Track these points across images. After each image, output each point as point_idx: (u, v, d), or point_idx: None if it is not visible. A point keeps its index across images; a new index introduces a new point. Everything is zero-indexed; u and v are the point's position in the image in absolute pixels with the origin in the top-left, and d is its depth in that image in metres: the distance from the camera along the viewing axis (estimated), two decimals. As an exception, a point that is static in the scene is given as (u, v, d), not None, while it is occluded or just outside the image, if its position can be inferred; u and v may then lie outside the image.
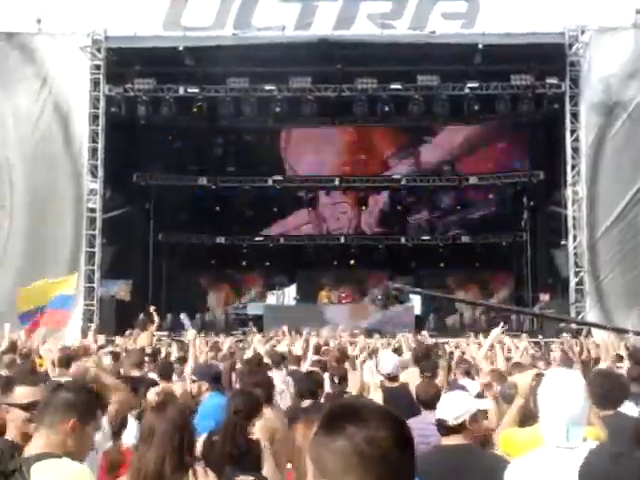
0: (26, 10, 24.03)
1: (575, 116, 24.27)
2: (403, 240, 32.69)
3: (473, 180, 31.21)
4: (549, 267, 27.97)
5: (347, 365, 9.93)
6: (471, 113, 26.26)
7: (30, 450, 3.50)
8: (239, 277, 33.90)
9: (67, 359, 8.62)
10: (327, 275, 32.27)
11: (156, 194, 30.65)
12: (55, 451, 3.47)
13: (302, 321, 20.02)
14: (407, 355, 10.22)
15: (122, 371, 8.54)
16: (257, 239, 32.94)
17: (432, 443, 4.87)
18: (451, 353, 12.35)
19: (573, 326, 21.85)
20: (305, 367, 10.10)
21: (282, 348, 12.62)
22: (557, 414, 3.66)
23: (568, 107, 24.33)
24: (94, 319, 23.41)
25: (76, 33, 24.13)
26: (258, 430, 4.91)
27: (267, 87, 25.26)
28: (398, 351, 12.31)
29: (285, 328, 15.80)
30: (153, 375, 8.71)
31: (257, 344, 12.50)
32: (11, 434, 4.06)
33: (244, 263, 33.51)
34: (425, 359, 8.93)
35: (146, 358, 10.07)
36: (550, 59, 24.38)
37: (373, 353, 12.15)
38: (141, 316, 20.98)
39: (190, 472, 4.19)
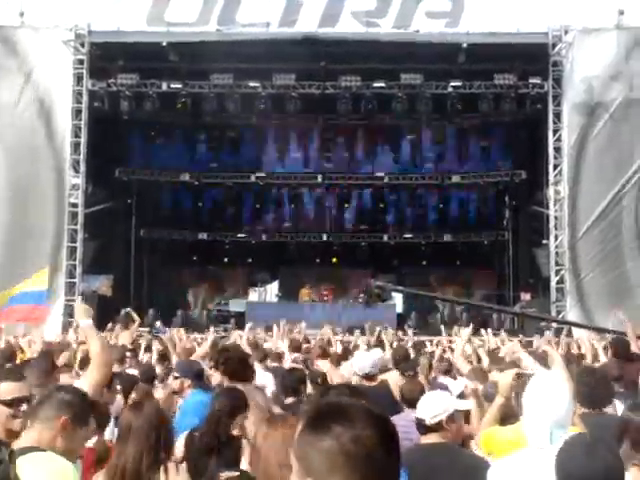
0: (9, 3, 23.90)
1: (557, 116, 24.39)
2: (385, 238, 32.74)
3: (455, 179, 31.23)
4: (530, 266, 28.09)
5: (328, 362, 9.93)
6: (454, 112, 26.35)
7: (19, 444, 3.50)
8: (221, 273, 33.83)
9: (48, 353, 8.59)
10: (309, 272, 32.25)
11: (138, 189, 30.56)
12: (43, 447, 3.48)
13: (284, 318, 19.98)
14: (388, 354, 10.20)
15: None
16: (239, 235, 32.89)
17: (414, 440, 4.89)
18: (432, 352, 12.36)
19: (554, 325, 21.95)
20: (287, 364, 10.10)
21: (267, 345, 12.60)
22: (541, 416, 3.68)
23: (551, 107, 24.44)
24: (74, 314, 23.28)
25: (59, 27, 24.03)
26: (250, 424, 4.94)
27: (251, 83, 25.26)
28: (380, 345, 12.29)
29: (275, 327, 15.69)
30: (134, 371, 8.69)
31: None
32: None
33: (226, 259, 33.48)
34: (404, 361, 8.89)
35: (127, 354, 10.04)
36: (533, 59, 24.49)
37: (355, 350, 12.13)
38: (122, 312, 20.88)
39: (162, 468, 4.30)
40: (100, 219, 26.37)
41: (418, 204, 33.26)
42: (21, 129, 24.03)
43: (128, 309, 17.44)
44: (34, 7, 23.98)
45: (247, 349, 10.09)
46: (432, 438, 4.60)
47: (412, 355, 10.24)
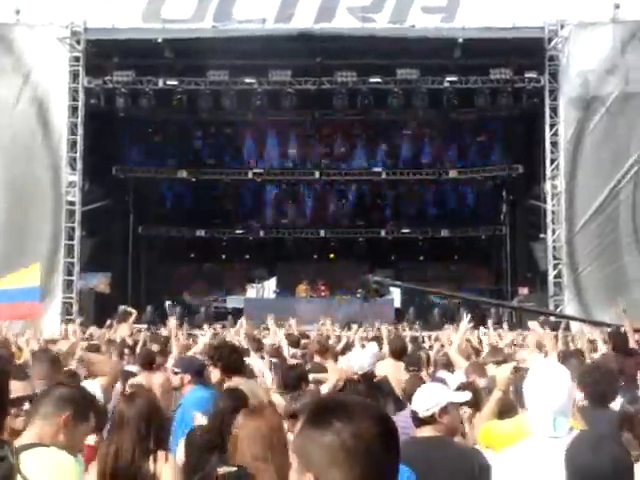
0: (4, 0, 23.85)
1: (554, 110, 24.38)
2: (383, 233, 32.79)
3: (452, 174, 31.26)
4: (528, 260, 28.12)
5: (328, 357, 9.92)
6: (450, 107, 26.35)
7: (22, 440, 3.51)
8: (219, 270, 33.83)
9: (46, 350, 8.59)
10: (307, 268, 32.23)
11: (135, 187, 30.55)
12: (45, 443, 3.50)
13: (282, 314, 19.99)
14: (386, 348, 10.18)
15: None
16: (237, 232, 32.88)
17: (410, 435, 4.91)
18: (430, 346, 12.38)
19: (552, 319, 21.98)
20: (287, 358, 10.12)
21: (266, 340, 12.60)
22: (544, 405, 3.72)
23: (547, 101, 24.43)
24: (73, 312, 23.32)
25: (55, 24, 23.98)
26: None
27: (247, 80, 25.25)
28: (378, 340, 12.28)
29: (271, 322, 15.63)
30: (132, 368, 8.71)
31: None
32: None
33: (224, 256, 33.50)
34: (401, 351, 8.91)
35: (126, 350, 10.05)
36: (529, 53, 24.49)
37: (352, 345, 12.11)
38: (120, 308, 20.88)
39: (151, 457, 4.46)
40: (97, 217, 26.36)
41: (415, 199, 33.28)
42: (17, 127, 23.97)
43: (125, 306, 17.48)
44: (30, 4, 23.93)
45: (244, 343, 10.13)
46: (426, 431, 4.61)
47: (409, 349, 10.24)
